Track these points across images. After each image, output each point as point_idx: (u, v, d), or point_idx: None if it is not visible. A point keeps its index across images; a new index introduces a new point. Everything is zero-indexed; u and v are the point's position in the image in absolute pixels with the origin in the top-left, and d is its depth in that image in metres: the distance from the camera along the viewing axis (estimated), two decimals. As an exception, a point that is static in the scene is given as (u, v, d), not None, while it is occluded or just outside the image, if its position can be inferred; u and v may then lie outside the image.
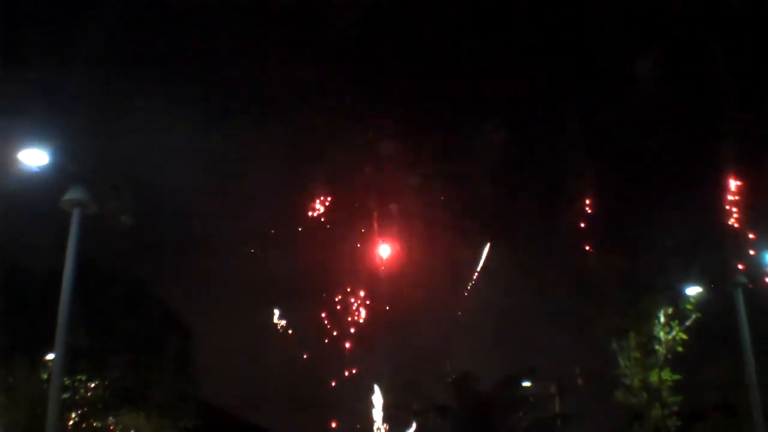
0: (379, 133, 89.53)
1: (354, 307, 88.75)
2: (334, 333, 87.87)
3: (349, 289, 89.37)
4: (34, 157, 21.08)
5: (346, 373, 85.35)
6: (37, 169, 21.22)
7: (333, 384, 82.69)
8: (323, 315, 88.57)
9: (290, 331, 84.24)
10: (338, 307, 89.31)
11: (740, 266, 38.77)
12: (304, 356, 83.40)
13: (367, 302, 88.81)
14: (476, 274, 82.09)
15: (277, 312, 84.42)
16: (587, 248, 44.39)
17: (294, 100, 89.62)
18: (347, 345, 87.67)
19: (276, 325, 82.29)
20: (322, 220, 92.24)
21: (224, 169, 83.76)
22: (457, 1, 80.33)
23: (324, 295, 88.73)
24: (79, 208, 20.22)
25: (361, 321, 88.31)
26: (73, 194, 20.15)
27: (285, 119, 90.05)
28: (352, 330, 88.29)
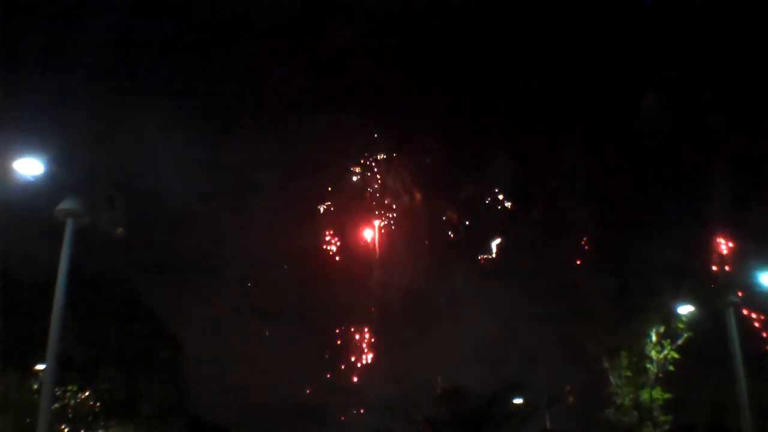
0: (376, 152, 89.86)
1: (362, 345, 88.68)
2: (342, 366, 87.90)
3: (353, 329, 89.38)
4: (29, 167, 21.03)
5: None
6: (32, 179, 21.16)
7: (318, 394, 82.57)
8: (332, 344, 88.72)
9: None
10: (339, 342, 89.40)
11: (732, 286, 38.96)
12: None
13: (372, 340, 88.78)
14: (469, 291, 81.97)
15: (269, 330, 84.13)
16: (581, 269, 44.45)
17: (295, 110, 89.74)
18: (354, 379, 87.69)
19: (270, 341, 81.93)
20: (328, 247, 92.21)
21: (224, 181, 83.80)
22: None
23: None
24: (72, 218, 20.18)
25: (367, 362, 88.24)
26: (66, 204, 20.11)
27: (287, 129, 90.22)
28: (358, 364, 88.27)
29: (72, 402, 31.33)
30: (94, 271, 33.16)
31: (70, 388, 31.04)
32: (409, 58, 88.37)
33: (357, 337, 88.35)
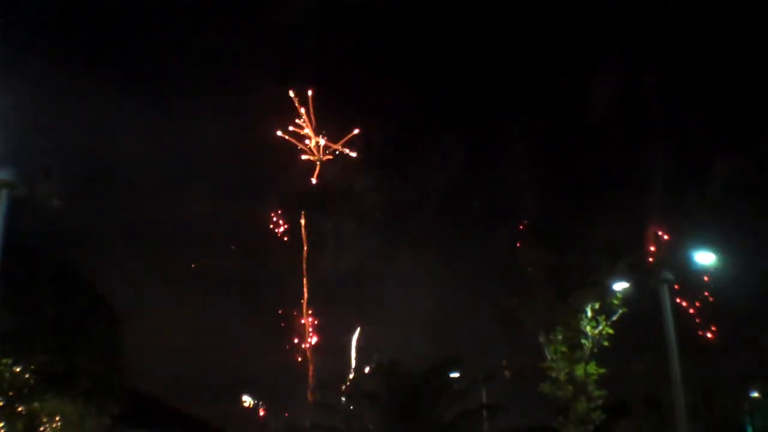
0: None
1: (307, 327, 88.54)
2: (289, 346, 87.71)
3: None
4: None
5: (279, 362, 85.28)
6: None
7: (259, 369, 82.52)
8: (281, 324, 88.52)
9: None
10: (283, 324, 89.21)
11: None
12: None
13: (316, 322, 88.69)
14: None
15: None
16: (518, 243, 44.78)
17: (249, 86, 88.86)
18: (299, 359, 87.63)
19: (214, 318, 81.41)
20: (275, 230, 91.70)
21: (174, 153, 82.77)
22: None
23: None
24: (7, 189, 19.89)
25: (312, 343, 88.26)
26: (1, 175, 19.82)
27: (238, 107, 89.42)
28: (305, 346, 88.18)
29: (7, 375, 30.92)
30: (31, 243, 32.70)
31: (4, 360, 30.61)
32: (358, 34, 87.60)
33: (301, 321, 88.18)
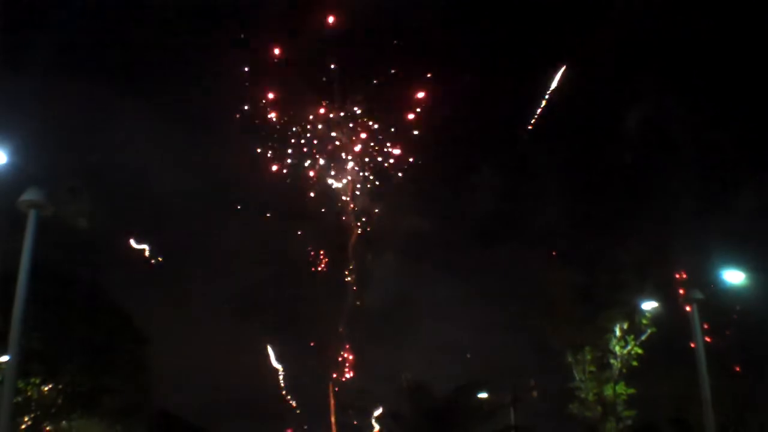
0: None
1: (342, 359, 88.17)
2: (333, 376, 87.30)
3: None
4: (-9, 157, 20.88)
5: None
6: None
7: (288, 395, 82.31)
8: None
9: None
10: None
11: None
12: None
13: (351, 357, 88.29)
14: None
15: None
16: (546, 264, 44.59)
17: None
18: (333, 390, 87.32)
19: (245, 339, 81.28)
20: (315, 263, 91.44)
21: (199, 174, 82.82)
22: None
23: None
24: (35, 210, 19.98)
25: (348, 377, 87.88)
26: (29, 195, 19.91)
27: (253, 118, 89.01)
28: (343, 378, 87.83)
29: (34, 395, 31.11)
30: (59, 264, 32.92)
31: (33, 380, 30.81)
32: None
33: (338, 358, 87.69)
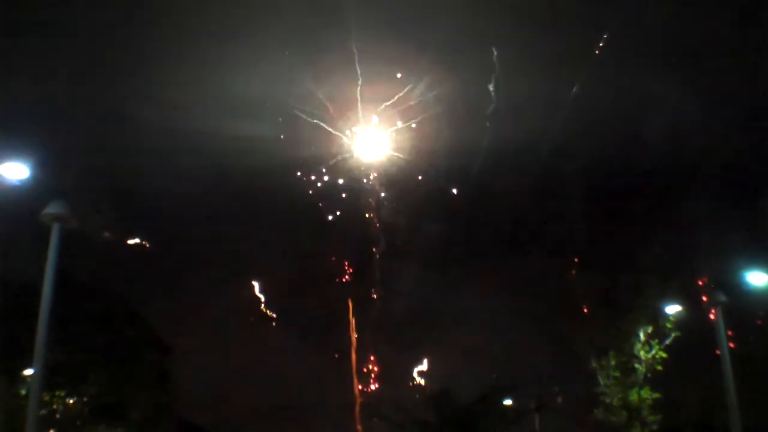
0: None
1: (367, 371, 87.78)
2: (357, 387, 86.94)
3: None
4: (14, 171, 20.96)
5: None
6: (18, 183, 21.08)
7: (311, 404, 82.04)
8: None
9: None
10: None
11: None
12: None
13: (376, 368, 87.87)
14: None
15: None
16: (568, 267, 44.34)
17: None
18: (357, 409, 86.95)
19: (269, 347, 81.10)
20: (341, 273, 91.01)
21: (223, 185, 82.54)
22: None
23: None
24: (59, 223, 20.03)
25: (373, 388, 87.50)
26: (53, 208, 19.97)
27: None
28: (368, 390, 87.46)
29: (60, 407, 31.22)
30: (82, 275, 33.06)
31: (57, 393, 30.92)
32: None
33: (360, 362, 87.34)
